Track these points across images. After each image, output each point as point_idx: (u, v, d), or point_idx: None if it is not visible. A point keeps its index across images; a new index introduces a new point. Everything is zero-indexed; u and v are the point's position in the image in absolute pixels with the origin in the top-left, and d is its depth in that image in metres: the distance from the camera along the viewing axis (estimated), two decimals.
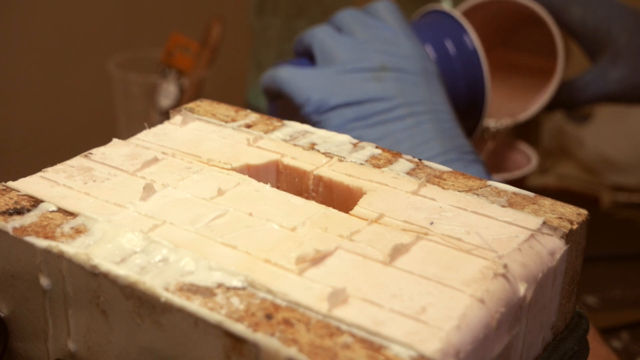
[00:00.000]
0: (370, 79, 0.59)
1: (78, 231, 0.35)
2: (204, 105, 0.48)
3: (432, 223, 0.37)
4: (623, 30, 0.69)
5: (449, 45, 0.66)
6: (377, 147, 0.44)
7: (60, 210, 0.37)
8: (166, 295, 0.31)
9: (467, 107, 0.66)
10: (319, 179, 0.41)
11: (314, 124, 0.59)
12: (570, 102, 0.73)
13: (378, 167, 0.42)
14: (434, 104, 0.59)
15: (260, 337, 0.29)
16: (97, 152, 0.42)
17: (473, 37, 0.66)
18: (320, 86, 0.60)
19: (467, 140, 0.60)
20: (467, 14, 0.72)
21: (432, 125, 0.58)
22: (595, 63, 0.72)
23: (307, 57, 0.64)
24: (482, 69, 0.65)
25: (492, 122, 0.74)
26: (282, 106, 0.66)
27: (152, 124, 0.46)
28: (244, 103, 1.07)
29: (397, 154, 0.43)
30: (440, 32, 0.66)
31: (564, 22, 0.71)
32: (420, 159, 0.42)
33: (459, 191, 0.40)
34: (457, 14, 0.67)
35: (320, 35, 0.62)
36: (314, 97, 0.59)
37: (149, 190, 0.38)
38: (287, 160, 0.42)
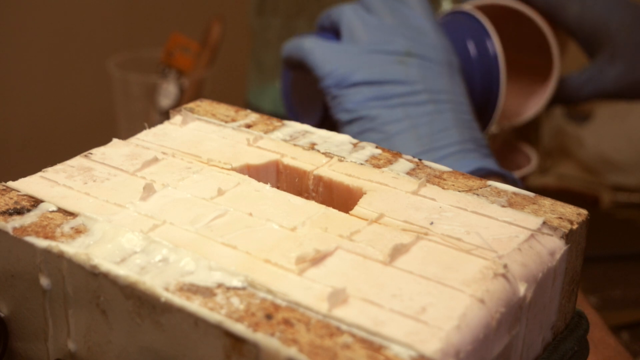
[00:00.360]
0: (394, 62, 0.60)
1: (78, 231, 0.35)
2: (204, 105, 0.48)
3: (432, 223, 0.37)
4: (621, 28, 0.69)
5: (471, 47, 0.66)
6: (377, 147, 0.44)
7: (60, 210, 0.37)
8: (166, 295, 0.31)
9: (478, 110, 0.66)
10: (319, 179, 0.41)
11: (332, 98, 0.60)
12: (568, 99, 0.73)
13: (378, 167, 0.42)
14: (455, 95, 0.60)
15: (260, 337, 0.29)
16: (97, 152, 0.42)
17: (496, 43, 0.66)
18: (345, 61, 0.60)
19: (482, 134, 0.61)
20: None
21: (452, 114, 0.59)
22: (593, 60, 0.72)
23: (332, 32, 0.65)
24: (499, 75, 0.66)
25: (492, 127, 0.74)
26: (296, 77, 0.67)
27: (152, 124, 0.46)
28: (244, 103, 1.07)
29: (397, 154, 0.43)
30: (463, 32, 0.67)
31: (561, 20, 0.71)
32: (420, 159, 0.42)
33: (459, 191, 0.40)
34: (482, 17, 0.67)
35: (349, 13, 0.63)
36: (337, 70, 0.60)
37: (149, 190, 0.38)
38: (287, 160, 0.42)
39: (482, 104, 0.67)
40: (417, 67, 0.60)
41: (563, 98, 0.73)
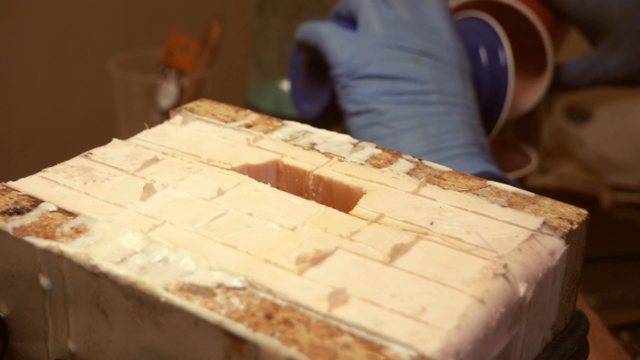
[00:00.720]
0: (408, 59, 0.60)
1: (78, 231, 0.35)
2: (204, 105, 0.48)
3: (432, 223, 0.37)
4: (623, 15, 0.69)
5: (483, 54, 0.66)
6: (377, 147, 0.44)
7: (60, 210, 0.37)
8: (166, 295, 0.31)
9: (482, 117, 0.66)
10: (319, 179, 0.41)
11: (342, 87, 0.60)
12: (570, 86, 0.73)
13: (378, 167, 0.42)
14: (465, 99, 0.60)
15: (260, 337, 0.29)
16: (97, 152, 0.42)
17: (508, 54, 0.66)
18: (359, 52, 0.60)
19: (487, 140, 0.61)
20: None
21: (460, 117, 0.59)
22: (595, 47, 0.72)
23: (348, 21, 0.65)
24: (506, 86, 0.66)
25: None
26: (306, 60, 0.67)
27: (152, 124, 0.46)
28: (244, 103, 1.07)
29: (397, 154, 0.43)
30: (477, 38, 0.67)
31: (562, 7, 0.70)
32: (420, 159, 0.42)
33: (459, 191, 0.40)
34: (498, 27, 0.67)
35: (367, 4, 0.63)
36: (351, 61, 0.60)
37: (149, 190, 0.38)
38: (287, 160, 0.42)
39: (487, 111, 0.67)
40: (430, 67, 0.60)
41: (564, 85, 0.73)
